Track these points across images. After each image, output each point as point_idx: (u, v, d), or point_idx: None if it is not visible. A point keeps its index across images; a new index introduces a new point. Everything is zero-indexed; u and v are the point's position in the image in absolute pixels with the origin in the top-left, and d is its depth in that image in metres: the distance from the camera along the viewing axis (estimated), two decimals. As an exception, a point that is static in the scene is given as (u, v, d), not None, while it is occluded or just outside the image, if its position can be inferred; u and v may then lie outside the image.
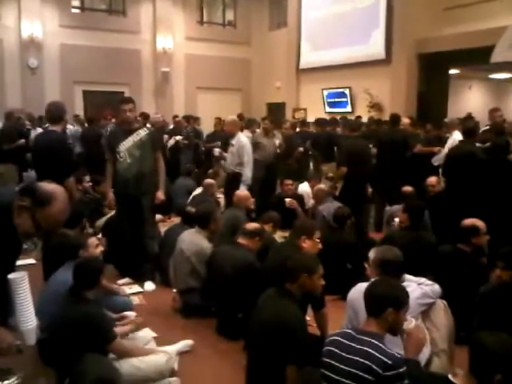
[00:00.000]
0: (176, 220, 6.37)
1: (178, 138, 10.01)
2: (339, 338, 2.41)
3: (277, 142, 8.37)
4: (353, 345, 2.32)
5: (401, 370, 2.20)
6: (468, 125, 6.36)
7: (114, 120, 9.74)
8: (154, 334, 3.86)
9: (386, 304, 2.36)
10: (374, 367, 2.19)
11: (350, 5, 13.18)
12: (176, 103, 15.75)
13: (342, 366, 2.30)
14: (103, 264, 3.44)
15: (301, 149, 8.52)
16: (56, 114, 4.74)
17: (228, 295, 3.96)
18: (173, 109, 15.11)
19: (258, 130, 8.61)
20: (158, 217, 6.21)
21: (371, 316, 2.40)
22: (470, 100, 15.66)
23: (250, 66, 17.21)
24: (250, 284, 3.69)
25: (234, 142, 6.78)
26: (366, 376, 2.20)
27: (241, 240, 4.14)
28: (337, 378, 2.30)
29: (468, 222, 4.25)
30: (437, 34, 11.14)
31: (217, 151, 8.37)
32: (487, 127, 7.67)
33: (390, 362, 2.19)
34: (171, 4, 15.66)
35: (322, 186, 6.82)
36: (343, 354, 2.32)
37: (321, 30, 14.10)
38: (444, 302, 3.25)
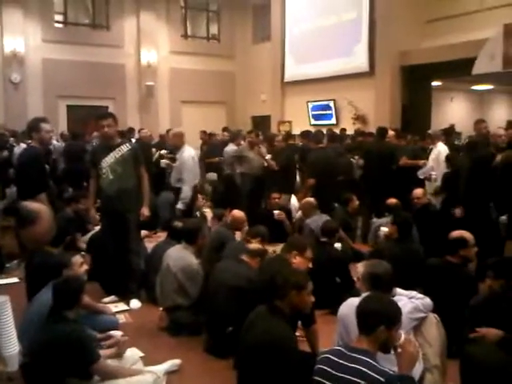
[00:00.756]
0: (162, 235, 6.30)
1: (163, 152, 9.95)
2: (330, 356, 2.36)
3: (267, 156, 8.19)
4: (344, 363, 2.27)
5: None
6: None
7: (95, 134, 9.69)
8: (141, 354, 3.76)
9: (378, 322, 2.32)
10: None
11: (333, 18, 13.30)
12: (161, 117, 15.70)
13: None
14: (83, 283, 3.37)
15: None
16: (28, 129, 4.70)
17: (224, 309, 3.85)
18: (157, 123, 15.09)
19: (243, 143, 8.59)
20: (144, 232, 6.12)
21: (363, 333, 2.36)
22: (453, 111, 15.84)
23: (235, 79, 17.25)
24: (248, 300, 3.60)
25: (178, 155, 6.70)
26: None
27: (244, 257, 4.07)
28: None
29: (456, 233, 4.25)
30: (419, 47, 11.30)
31: (163, 163, 8.32)
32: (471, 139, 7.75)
33: (382, 379, 2.15)
34: (155, 18, 15.66)
35: (310, 199, 6.80)
36: (334, 373, 2.27)
37: (305, 43, 14.20)
38: (436, 316, 3.21)
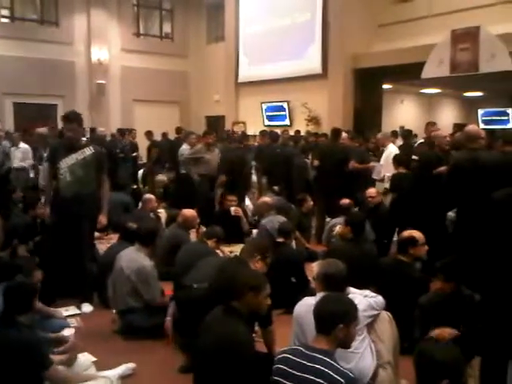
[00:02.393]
0: (113, 237, 6.17)
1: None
2: (289, 356, 2.37)
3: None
4: (303, 362, 2.29)
5: None
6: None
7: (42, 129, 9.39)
8: (94, 358, 3.68)
9: (337, 321, 2.35)
10: None
11: (286, 20, 13.41)
12: (112, 116, 15.41)
13: None
14: (36, 287, 3.26)
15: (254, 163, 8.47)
16: None
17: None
18: (109, 121, 14.81)
19: (199, 145, 8.52)
20: (95, 234, 5.97)
21: (321, 333, 2.38)
22: (403, 114, 16.25)
23: (188, 78, 17.12)
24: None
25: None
26: None
27: None
28: None
29: (406, 233, 4.37)
30: (371, 50, 11.54)
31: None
32: (422, 140, 7.97)
33: (342, 380, 2.18)
34: (106, 15, 15.36)
35: (267, 198, 6.80)
36: (294, 373, 2.28)
37: (259, 44, 14.26)
38: (388, 313, 3.28)
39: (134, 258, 4.34)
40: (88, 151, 4.84)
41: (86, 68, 15.23)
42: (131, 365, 3.64)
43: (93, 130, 11.33)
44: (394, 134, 9.59)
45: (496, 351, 2.83)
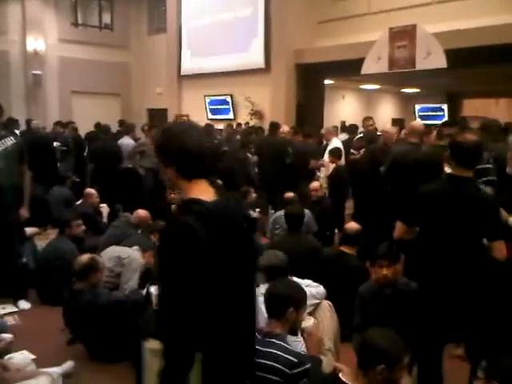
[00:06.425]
0: (52, 232, 5.99)
1: (56, 144, 9.45)
2: None
3: None
4: (260, 348, 2.33)
5: (306, 367, 2.28)
6: None
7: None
8: (33, 356, 3.58)
9: (288, 304, 2.43)
10: (281, 367, 2.25)
11: (229, 13, 13.37)
12: (49, 108, 14.88)
13: None
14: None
15: None
16: None
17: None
18: (46, 114, 14.30)
19: (142, 138, 8.40)
20: (33, 230, 5.77)
21: (273, 317, 2.45)
22: (344, 109, 16.61)
23: (129, 70, 16.79)
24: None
25: None
26: (274, 378, 2.25)
27: None
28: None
29: (348, 225, 4.53)
30: (313, 46, 11.70)
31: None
32: (361, 135, 8.18)
33: (295, 360, 2.27)
34: (42, 4, 14.76)
35: None
36: None
37: (201, 36, 14.16)
38: (329, 302, 3.39)
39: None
40: (9, 141, 4.68)
41: (21, 58, 14.61)
42: (71, 363, 3.57)
43: (28, 122, 10.89)
44: (336, 129, 9.80)
45: (431, 337, 2.97)
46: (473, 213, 2.78)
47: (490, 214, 2.79)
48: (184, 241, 1.64)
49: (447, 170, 3.30)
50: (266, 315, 2.59)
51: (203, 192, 1.79)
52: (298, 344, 2.58)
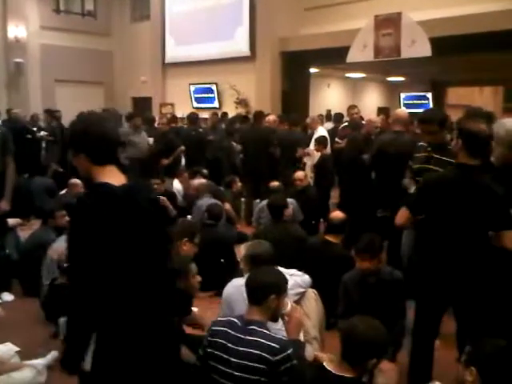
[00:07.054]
0: (36, 223, 5.93)
1: (43, 133, 9.30)
2: (227, 330, 2.39)
3: (150, 140, 8.17)
4: (242, 336, 2.33)
5: (289, 352, 2.28)
6: None
7: None
8: (16, 348, 3.54)
9: (269, 291, 2.42)
10: (264, 355, 2.24)
11: (213, 0, 13.24)
12: (32, 97, 14.62)
13: (232, 359, 2.30)
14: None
15: (182, 147, 8.33)
16: None
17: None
18: (28, 103, 14.06)
19: (125, 128, 8.30)
20: (16, 221, 5.70)
21: (254, 304, 2.44)
22: (329, 97, 16.57)
23: (113, 58, 16.56)
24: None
25: None
26: (258, 365, 2.24)
27: None
28: (229, 371, 2.30)
29: (332, 214, 4.54)
30: (298, 34, 11.63)
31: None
32: (346, 123, 8.19)
33: (277, 346, 2.26)
34: (23, -10, 14.50)
35: (203, 180, 6.82)
36: (233, 347, 2.31)
37: (186, 24, 13.98)
38: (314, 291, 3.40)
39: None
40: None
41: (1, 46, 14.33)
42: (56, 353, 3.55)
43: (9, 112, 10.69)
44: (321, 118, 9.79)
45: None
46: (482, 201, 2.77)
47: (500, 203, 2.78)
48: (78, 215, 1.81)
49: None
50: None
51: (113, 177, 1.90)
52: (279, 331, 2.59)
